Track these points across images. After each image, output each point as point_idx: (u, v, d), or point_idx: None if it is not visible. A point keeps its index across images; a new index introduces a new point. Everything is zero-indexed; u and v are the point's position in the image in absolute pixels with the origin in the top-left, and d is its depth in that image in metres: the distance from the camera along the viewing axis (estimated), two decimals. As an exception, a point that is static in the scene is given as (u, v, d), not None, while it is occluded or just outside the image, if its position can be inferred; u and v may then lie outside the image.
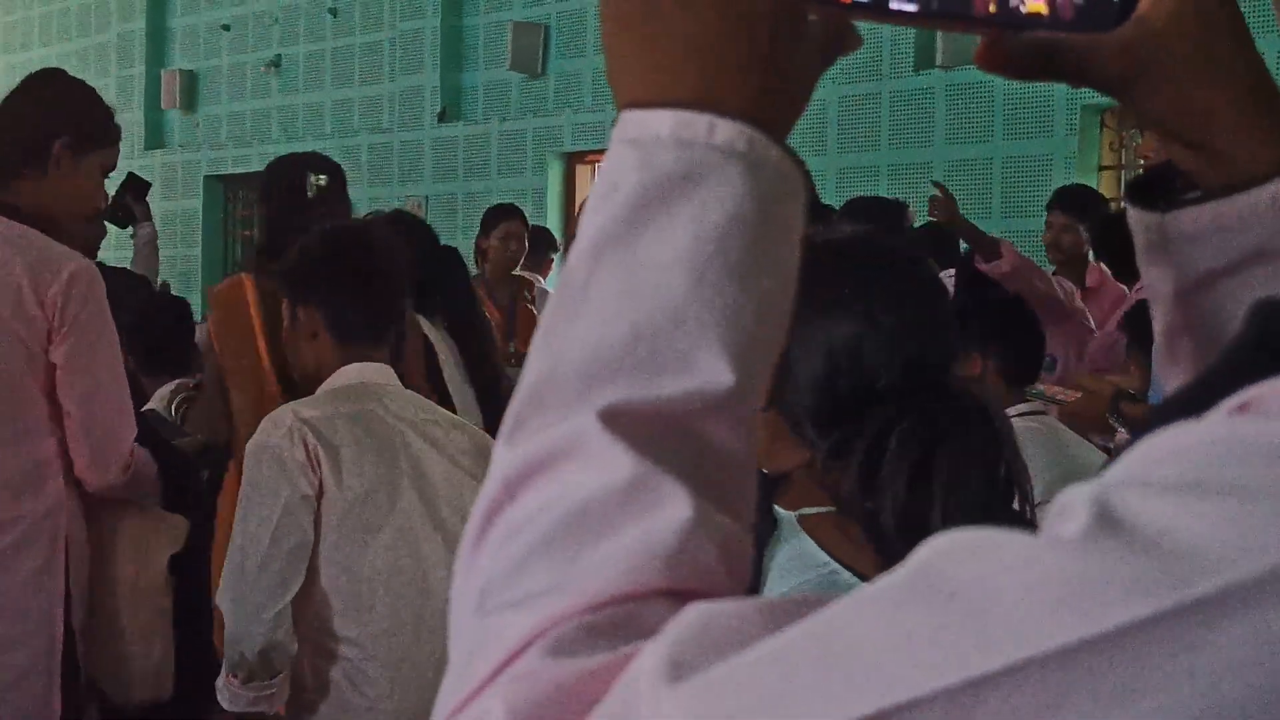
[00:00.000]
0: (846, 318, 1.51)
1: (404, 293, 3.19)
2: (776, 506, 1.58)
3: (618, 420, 0.64)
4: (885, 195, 6.45)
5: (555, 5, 10.02)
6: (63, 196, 3.16)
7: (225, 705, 2.95)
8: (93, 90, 3.38)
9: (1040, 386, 3.91)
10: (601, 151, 9.58)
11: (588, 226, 0.68)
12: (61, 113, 3.22)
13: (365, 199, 10.58)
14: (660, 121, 0.68)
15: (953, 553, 0.52)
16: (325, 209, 3.70)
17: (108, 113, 3.36)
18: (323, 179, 3.96)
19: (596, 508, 0.62)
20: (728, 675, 0.53)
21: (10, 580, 3.01)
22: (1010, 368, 3.72)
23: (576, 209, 8.69)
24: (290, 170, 3.94)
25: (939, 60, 8.21)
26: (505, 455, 0.66)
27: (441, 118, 10.49)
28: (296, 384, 3.64)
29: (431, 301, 4.20)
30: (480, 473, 2.94)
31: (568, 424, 0.64)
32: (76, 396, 3.02)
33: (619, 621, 0.60)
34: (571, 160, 9.91)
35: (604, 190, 0.68)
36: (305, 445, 2.86)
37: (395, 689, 2.90)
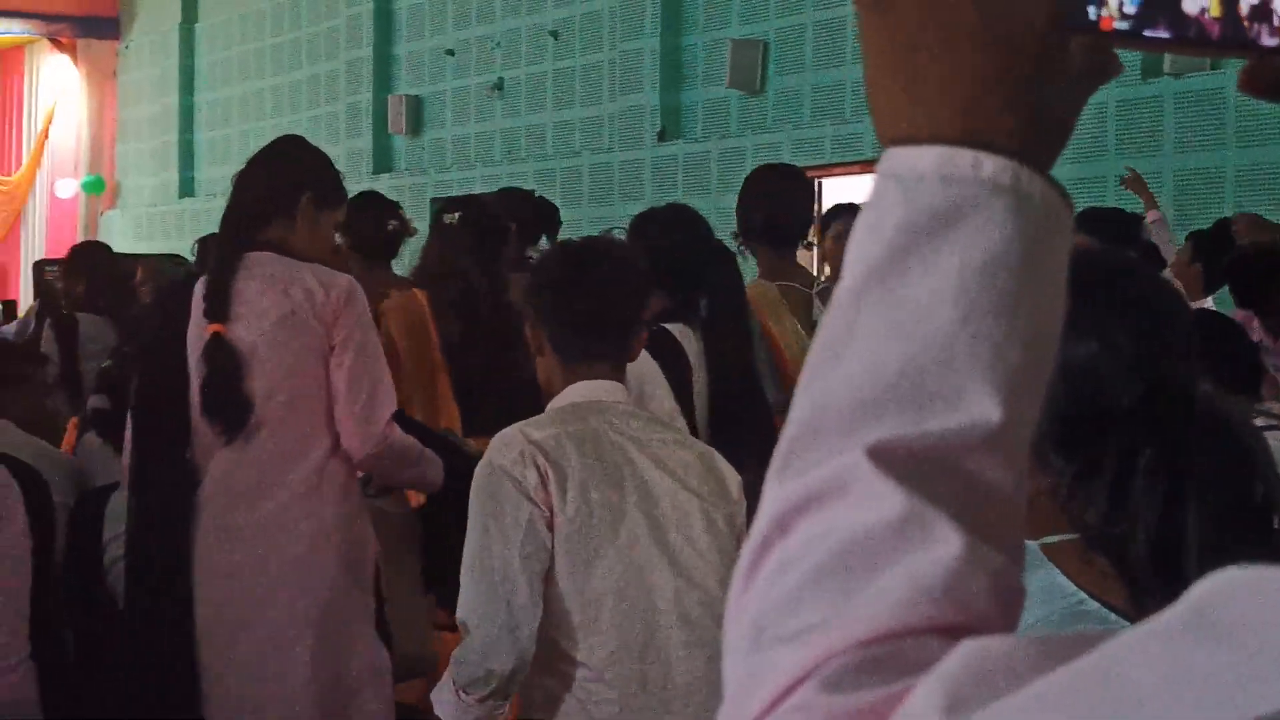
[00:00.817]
0: (1083, 338, 1.46)
1: (636, 308, 3.17)
2: None
3: (886, 456, 0.64)
4: (1114, 206, 6.29)
5: (774, 21, 10.01)
6: (305, 241, 3.73)
7: (444, 718, 2.96)
8: (328, 157, 3.98)
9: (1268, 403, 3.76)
10: (821, 168, 9.53)
11: (852, 264, 0.68)
12: (308, 172, 3.82)
13: (587, 219, 10.68)
14: (924, 158, 0.68)
15: (1232, 591, 0.51)
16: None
17: (340, 177, 3.93)
18: (455, 216, 4.68)
19: (867, 543, 0.63)
20: (1006, 714, 0.53)
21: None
22: (1226, 382, 3.57)
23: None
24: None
25: (1167, 68, 8.00)
26: (776, 492, 0.67)
27: (661, 137, 10.55)
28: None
29: (694, 304, 4.07)
30: (706, 491, 2.93)
31: (836, 461, 0.65)
32: (345, 373, 3.57)
33: (890, 657, 0.61)
34: (791, 176, 9.89)
35: (868, 228, 0.68)
36: (536, 467, 2.87)
37: (624, 711, 2.89)
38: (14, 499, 3.34)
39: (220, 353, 3.53)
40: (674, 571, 2.91)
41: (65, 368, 7.32)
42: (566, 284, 3.06)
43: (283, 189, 3.76)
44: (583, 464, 2.89)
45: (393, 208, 5.76)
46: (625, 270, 3.14)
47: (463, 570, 2.93)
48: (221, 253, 3.79)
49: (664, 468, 2.98)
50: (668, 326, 3.95)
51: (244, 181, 3.88)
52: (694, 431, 3.83)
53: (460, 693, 2.92)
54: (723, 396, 4.02)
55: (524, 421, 3.01)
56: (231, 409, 3.52)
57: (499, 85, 12.16)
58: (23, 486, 3.37)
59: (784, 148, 9.76)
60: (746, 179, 4.79)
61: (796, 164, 9.73)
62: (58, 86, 18.23)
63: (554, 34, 11.62)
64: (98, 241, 11.37)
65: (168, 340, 3.65)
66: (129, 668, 3.52)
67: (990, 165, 0.67)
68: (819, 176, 9.76)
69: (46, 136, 18.43)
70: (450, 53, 12.65)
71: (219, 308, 3.56)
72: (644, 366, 3.93)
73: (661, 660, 2.89)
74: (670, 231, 4.11)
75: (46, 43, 18.04)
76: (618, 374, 3.11)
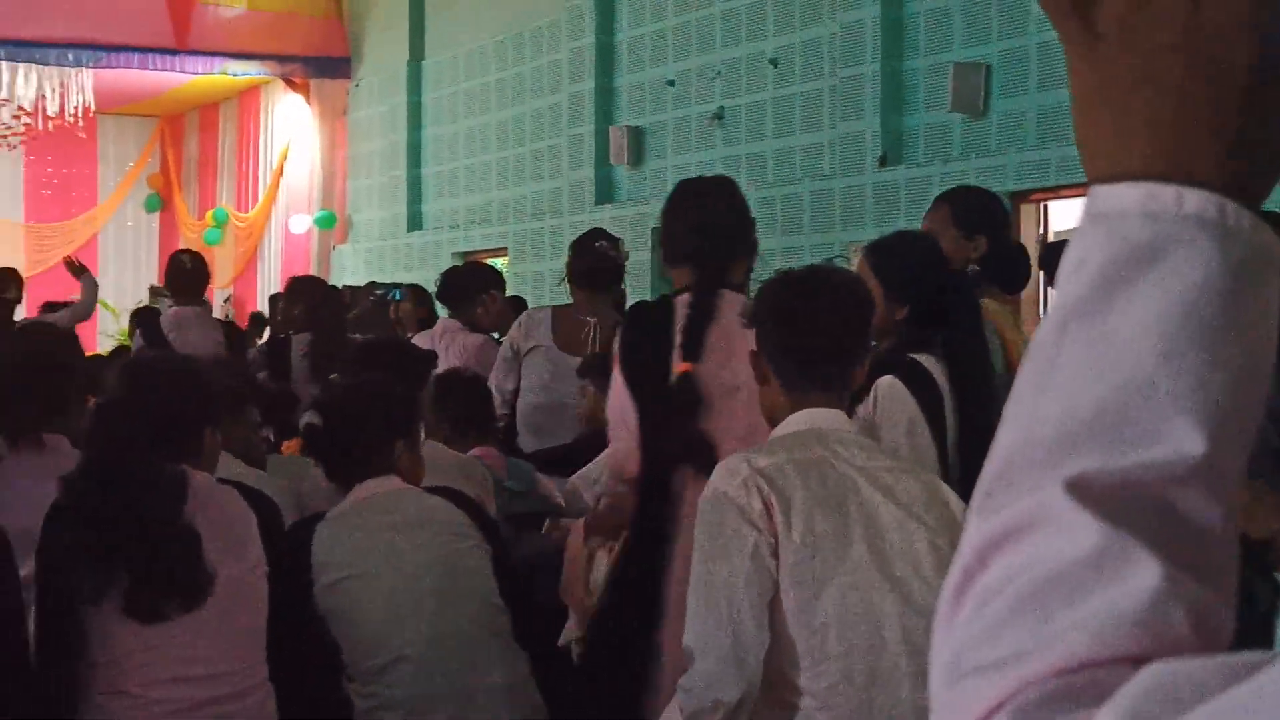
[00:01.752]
0: None
1: (859, 336, 3.14)
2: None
3: (1085, 490, 0.65)
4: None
5: (997, 44, 9.87)
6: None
7: None
8: None
9: None
10: (1046, 190, 9.36)
11: (1056, 300, 0.70)
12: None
13: (808, 246, 10.65)
14: (1127, 195, 0.68)
15: None
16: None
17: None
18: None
19: (1064, 576, 0.64)
20: None
21: None
22: None
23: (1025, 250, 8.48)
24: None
25: None
26: (977, 525, 0.68)
27: (883, 162, 10.47)
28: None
29: (933, 333, 4.00)
30: (933, 520, 2.89)
31: (1036, 495, 0.66)
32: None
33: (1086, 686, 0.61)
34: (1015, 200, 9.71)
35: (1072, 265, 0.70)
36: (760, 494, 2.86)
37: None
38: (250, 526, 3.44)
39: (687, 390, 3.70)
40: (900, 600, 2.87)
41: (279, 388, 7.57)
42: (790, 313, 3.05)
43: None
44: (807, 492, 2.87)
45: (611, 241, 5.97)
46: (848, 298, 3.12)
47: (689, 597, 2.93)
48: (698, 294, 3.88)
49: (890, 495, 2.94)
50: (917, 357, 3.90)
51: (715, 219, 3.99)
52: (944, 462, 3.78)
53: None
54: (970, 426, 3.92)
55: (749, 449, 3.00)
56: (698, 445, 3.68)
57: (719, 114, 12.20)
58: (257, 513, 3.48)
59: (1008, 171, 9.61)
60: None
61: (1021, 188, 9.60)
62: (291, 125, 18.80)
63: (774, 62, 11.61)
64: (313, 276, 11.72)
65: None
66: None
67: (1194, 201, 0.67)
68: (1044, 200, 9.59)
69: (281, 174, 19.01)
70: (671, 83, 12.74)
71: (693, 347, 3.72)
72: (887, 403, 3.87)
73: (888, 690, 2.85)
74: (907, 261, 4.04)
75: (281, 84, 18.62)
76: (841, 402, 3.09)
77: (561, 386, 6.01)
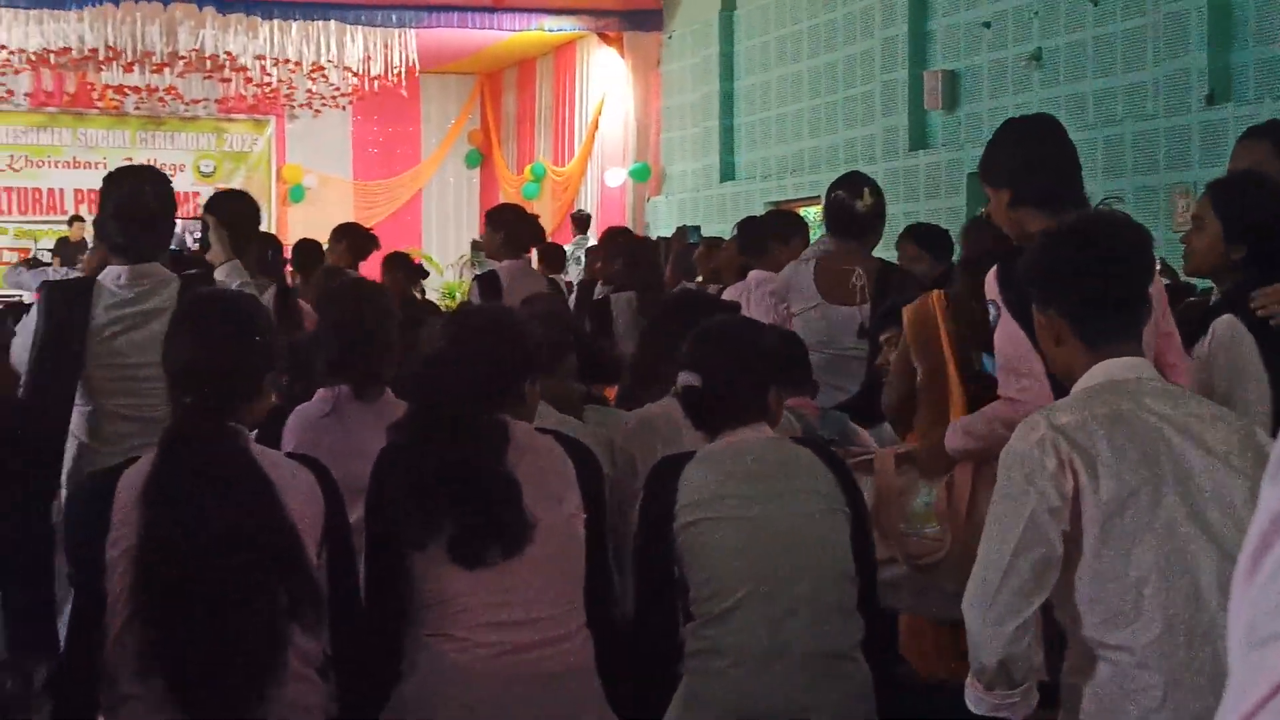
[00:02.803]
0: None
1: (1148, 280, 3.05)
2: None
3: None
4: None
5: (1334, -28, 9.38)
6: None
7: (970, 707, 2.94)
8: None
9: None
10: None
11: None
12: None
13: (1131, 188, 10.32)
14: None
15: None
16: None
17: None
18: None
19: None
20: None
21: None
22: None
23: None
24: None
25: None
26: (1272, 492, 0.66)
27: (1210, 100, 10.06)
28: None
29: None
30: (1248, 469, 2.78)
31: None
32: None
33: None
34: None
35: None
36: (1058, 453, 2.79)
37: (1168, 701, 2.78)
38: (569, 474, 3.52)
39: None
40: (1218, 551, 2.78)
41: (598, 345, 7.66)
42: (1082, 265, 2.96)
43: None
44: (1112, 447, 2.79)
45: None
46: (1136, 242, 3.03)
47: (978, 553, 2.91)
48: None
49: (1201, 444, 2.84)
50: None
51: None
52: None
53: (975, 682, 2.90)
54: None
55: (1050, 405, 2.93)
56: None
57: (1037, 56, 11.90)
58: (575, 462, 3.55)
59: (1347, 106, 9.13)
60: None
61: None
62: (606, 79, 19.06)
63: (1094, 0, 11.27)
64: (628, 229, 11.85)
65: None
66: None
67: None
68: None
69: (596, 128, 19.30)
70: (986, 25, 12.47)
71: None
72: (1226, 342, 3.73)
73: (1209, 642, 2.77)
74: (1253, 201, 3.88)
75: (595, 38, 18.89)
76: (1140, 350, 2.99)
77: (841, 339, 5.91)
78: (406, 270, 9.47)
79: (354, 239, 8.81)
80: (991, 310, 3.72)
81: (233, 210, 5.61)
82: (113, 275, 4.65)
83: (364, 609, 3.44)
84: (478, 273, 9.78)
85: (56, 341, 4.58)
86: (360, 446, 3.72)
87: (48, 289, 4.82)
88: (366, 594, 3.45)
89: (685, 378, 3.67)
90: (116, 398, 4.54)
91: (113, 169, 5.04)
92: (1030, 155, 3.92)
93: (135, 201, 4.67)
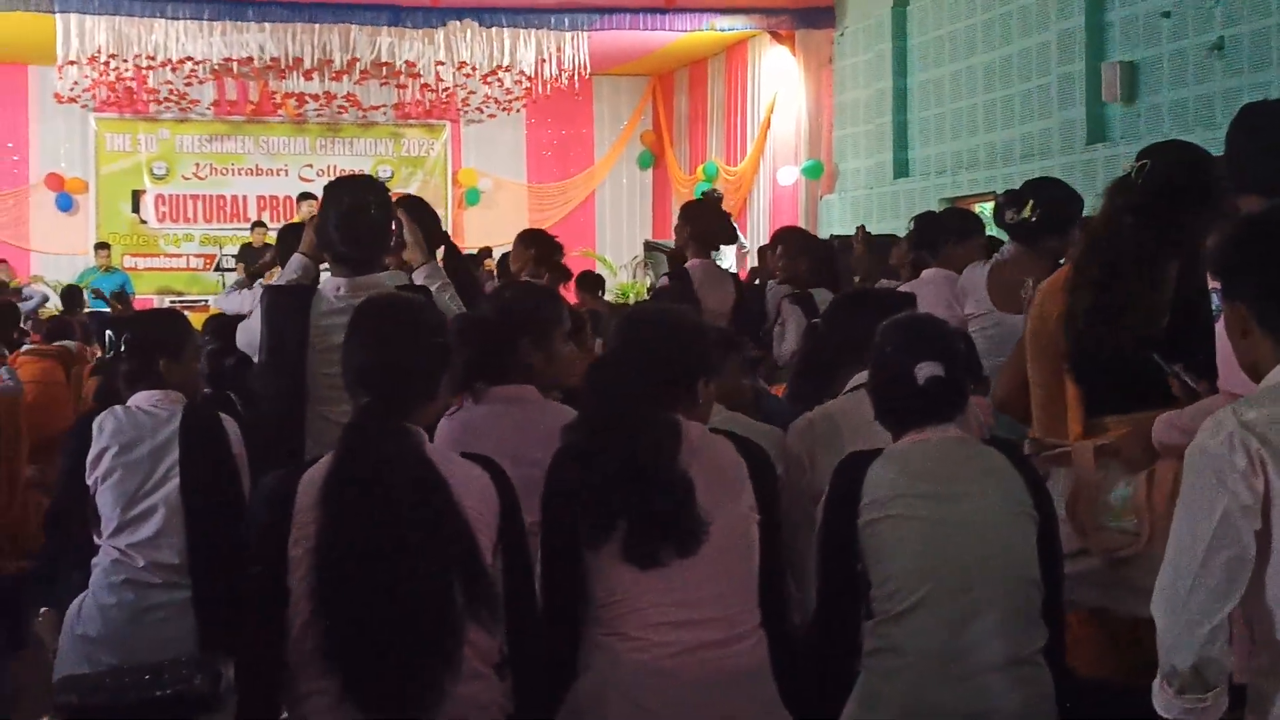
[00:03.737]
0: None
1: None
2: None
3: None
4: None
5: None
6: None
7: (1160, 711, 2.86)
8: None
9: None
10: None
11: None
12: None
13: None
14: None
15: None
16: None
17: None
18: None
19: None
20: None
21: None
22: None
23: None
24: None
25: None
26: None
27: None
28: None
29: None
30: None
31: None
32: None
33: None
34: None
35: None
36: (1247, 450, 2.70)
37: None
38: (742, 474, 3.51)
39: None
40: None
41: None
42: (1268, 255, 2.86)
43: None
44: None
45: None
46: None
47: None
48: None
49: None
50: None
51: None
52: None
53: (1164, 686, 2.82)
54: None
55: (1238, 400, 2.85)
56: None
57: (1219, 45, 11.61)
58: (748, 461, 3.54)
59: None
60: None
61: None
62: (778, 77, 19.00)
63: (1279, -15, 10.97)
64: (797, 226, 11.79)
65: None
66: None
67: None
68: None
69: (768, 126, 19.25)
70: (1166, 15, 12.20)
71: None
72: None
73: None
74: None
75: (767, 36, 18.84)
76: None
77: (1007, 349, 5.80)
78: (593, 289, 9.63)
79: (541, 246, 8.84)
80: (1214, 299, 3.58)
81: (424, 211, 5.68)
82: (332, 285, 4.74)
83: (540, 607, 3.46)
84: (664, 272, 9.79)
85: (277, 348, 4.70)
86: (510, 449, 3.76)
87: (269, 294, 4.91)
88: (542, 592, 3.47)
89: (927, 368, 3.61)
90: (334, 405, 4.60)
91: (333, 179, 5.14)
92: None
93: (359, 214, 4.75)
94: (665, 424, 3.42)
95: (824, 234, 14.78)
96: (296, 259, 5.06)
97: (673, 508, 3.34)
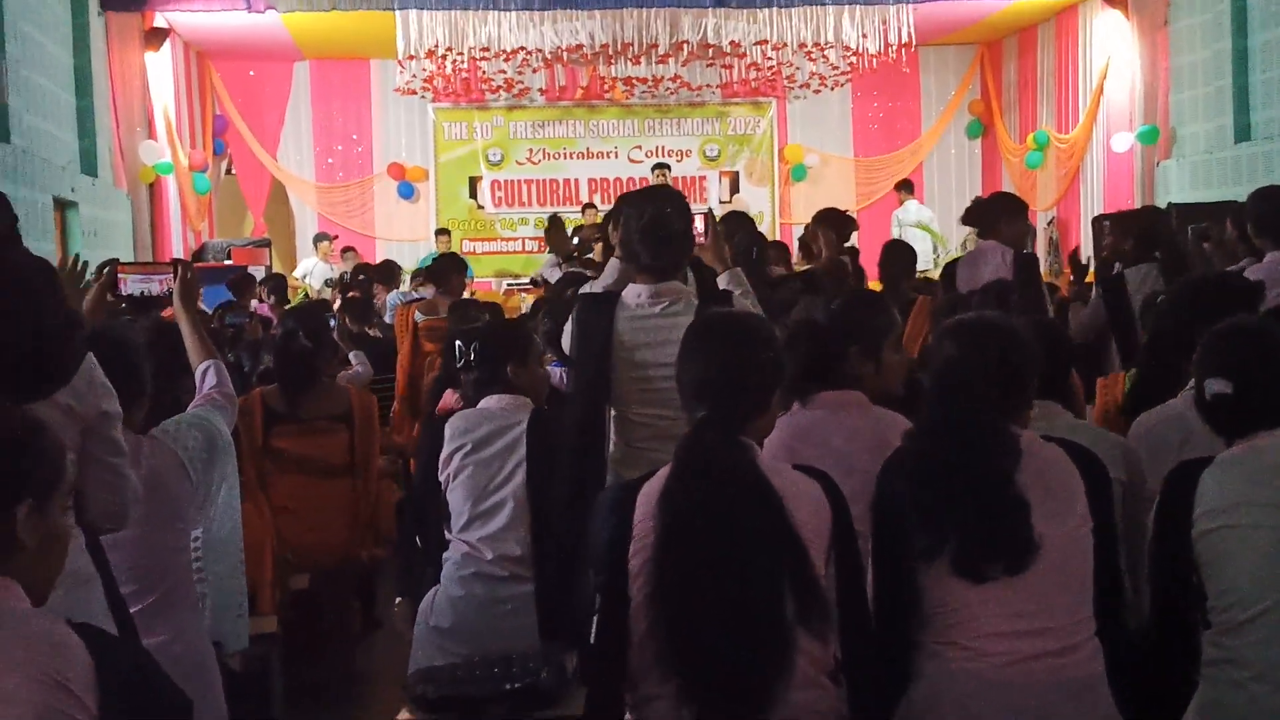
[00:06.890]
0: None
1: None
2: None
3: None
4: None
5: None
6: None
7: None
8: None
9: None
10: None
11: None
12: None
13: None
14: None
15: None
16: None
17: None
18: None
19: None
20: None
21: None
22: None
23: None
24: None
25: None
26: None
27: None
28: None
29: None
30: None
31: None
32: None
33: None
34: None
35: None
36: None
37: None
38: (1076, 484, 3.48)
39: None
40: None
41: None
42: None
43: None
44: None
45: None
46: None
47: None
48: None
49: None
50: None
51: None
52: None
53: None
54: None
55: None
56: None
57: None
58: (1083, 471, 3.50)
59: None
60: None
61: None
62: (1110, 41, 18.46)
63: None
64: (1153, 206, 11.42)
65: None
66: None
67: None
68: None
69: (1101, 92, 18.73)
70: None
71: None
72: None
73: None
74: None
75: (1098, 1, 18.34)
76: None
77: None
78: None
79: (836, 224, 8.77)
80: None
81: (739, 225, 5.81)
82: (634, 292, 4.92)
83: (872, 616, 3.51)
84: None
85: (584, 349, 4.95)
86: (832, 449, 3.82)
87: (581, 301, 5.18)
88: (874, 601, 3.51)
89: (1215, 385, 3.54)
90: (638, 407, 4.81)
91: (629, 192, 5.35)
92: None
93: (660, 222, 4.92)
94: (1005, 438, 3.41)
95: (1161, 202, 14.32)
96: (614, 264, 5.27)
97: (1005, 526, 3.34)
